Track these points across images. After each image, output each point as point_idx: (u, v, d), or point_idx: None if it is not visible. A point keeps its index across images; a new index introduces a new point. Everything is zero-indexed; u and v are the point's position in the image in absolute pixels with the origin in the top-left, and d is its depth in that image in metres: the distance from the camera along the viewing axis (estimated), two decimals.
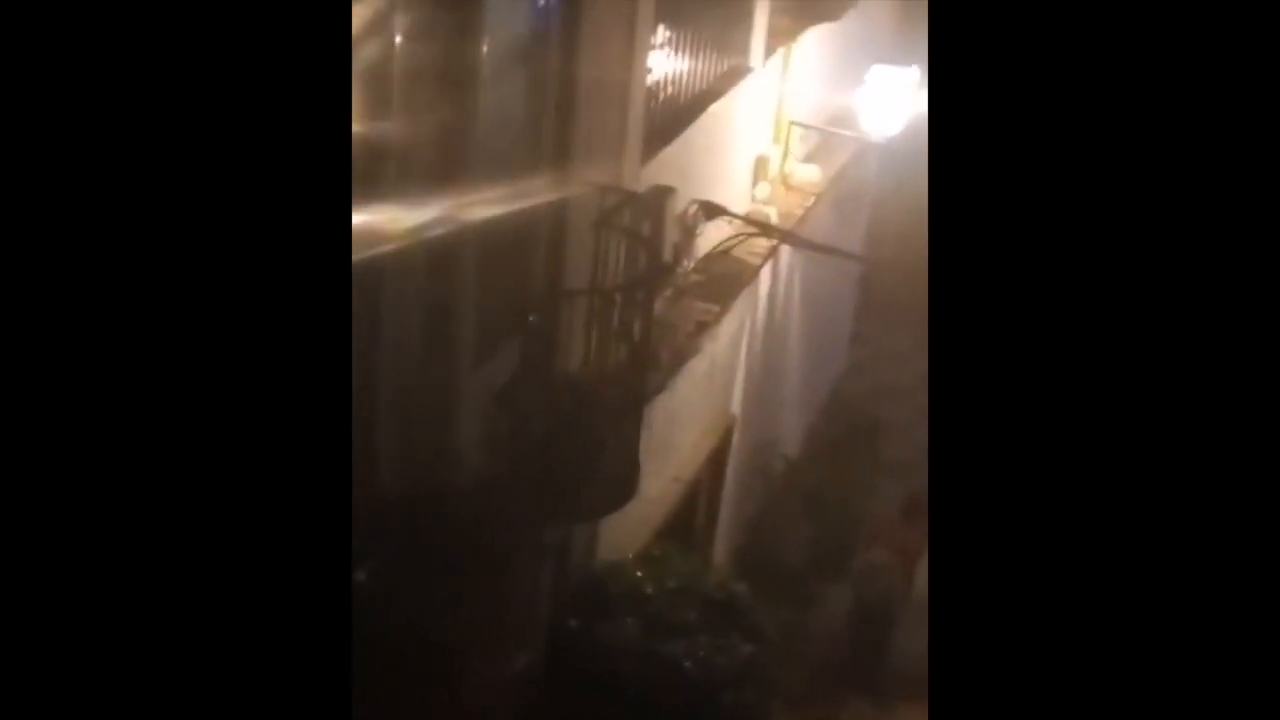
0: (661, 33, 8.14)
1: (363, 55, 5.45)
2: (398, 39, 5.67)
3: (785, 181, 10.75)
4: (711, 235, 9.20)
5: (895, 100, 10.90)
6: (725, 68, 9.48)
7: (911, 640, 11.27)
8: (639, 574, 8.44)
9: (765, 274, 10.38)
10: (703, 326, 8.81)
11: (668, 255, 8.05)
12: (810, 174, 10.94)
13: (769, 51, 10.07)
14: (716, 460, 10.38)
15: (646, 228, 7.28)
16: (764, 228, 9.84)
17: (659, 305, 7.92)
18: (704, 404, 9.82)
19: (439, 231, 5.98)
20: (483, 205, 6.21)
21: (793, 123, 10.77)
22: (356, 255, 4.23)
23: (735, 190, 9.82)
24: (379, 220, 5.64)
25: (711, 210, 8.98)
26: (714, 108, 9.07)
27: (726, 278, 9.29)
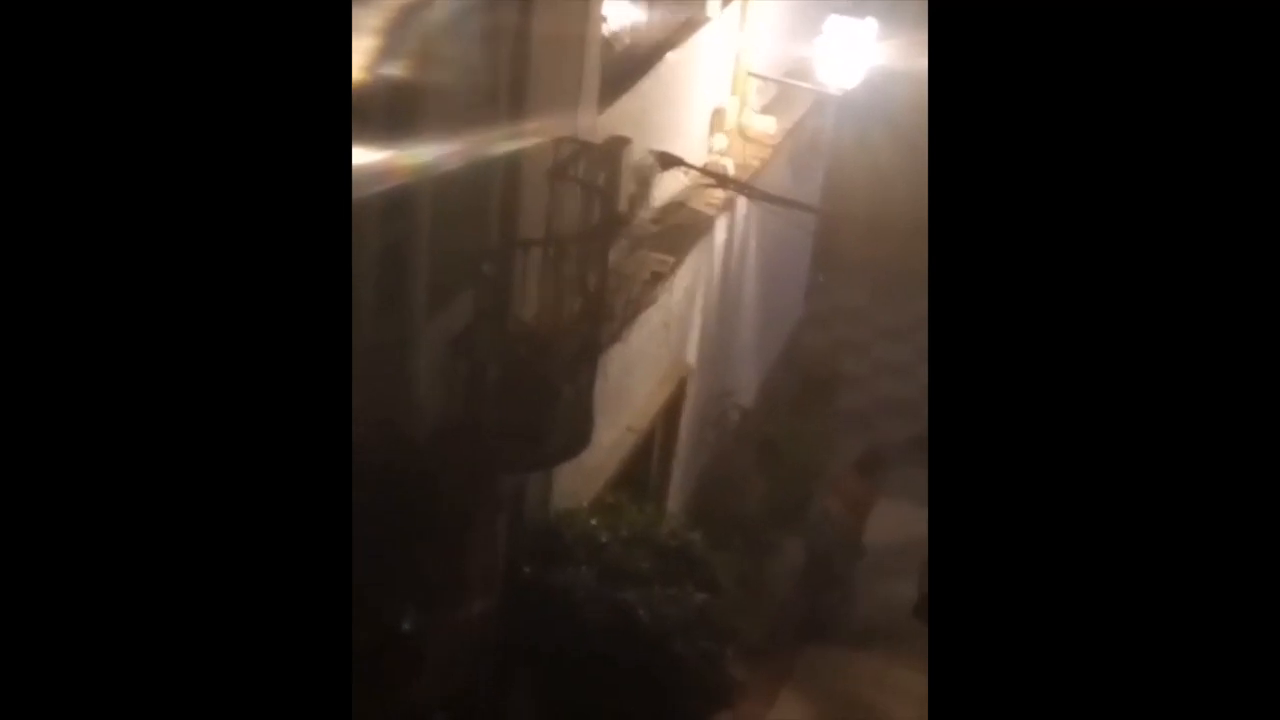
0: None
1: None
2: None
3: (742, 133, 10.74)
4: (668, 186, 9.21)
5: (852, 52, 10.90)
6: (682, 18, 9.46)
7: (863, 590, 11.40)
8: (593, 522, 8.49)
9: (721, 225, 10.40)
10: (658, 277, 8.83)
11: (623, 206, 8.06)
12: (767, 125, 10.94)
13: (726, 2, 10.06)
14: (671, 410, 10.42)
15: (602, 178, 7.28)
16: (720, 179, 9.86)
17: (614, 255, 7.93)
18: (659, 354, 9.86)
19: (395, 182, 5.98)
20: (439, 156, 6.20)
21: (750, 74, 10.76)
22: None
23: (692, 141, 9.82)
24: None
25: (668, 161, 8.99)
26: (671, 58, 9.06)
27: (682, 229, 9.30)
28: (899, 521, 11.95)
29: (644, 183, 8.73)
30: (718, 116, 10.35)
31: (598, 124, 7.71)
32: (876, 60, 11.05)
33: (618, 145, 7.43)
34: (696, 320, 10.62)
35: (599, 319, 7.57)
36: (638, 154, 8.46)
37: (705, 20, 9.75)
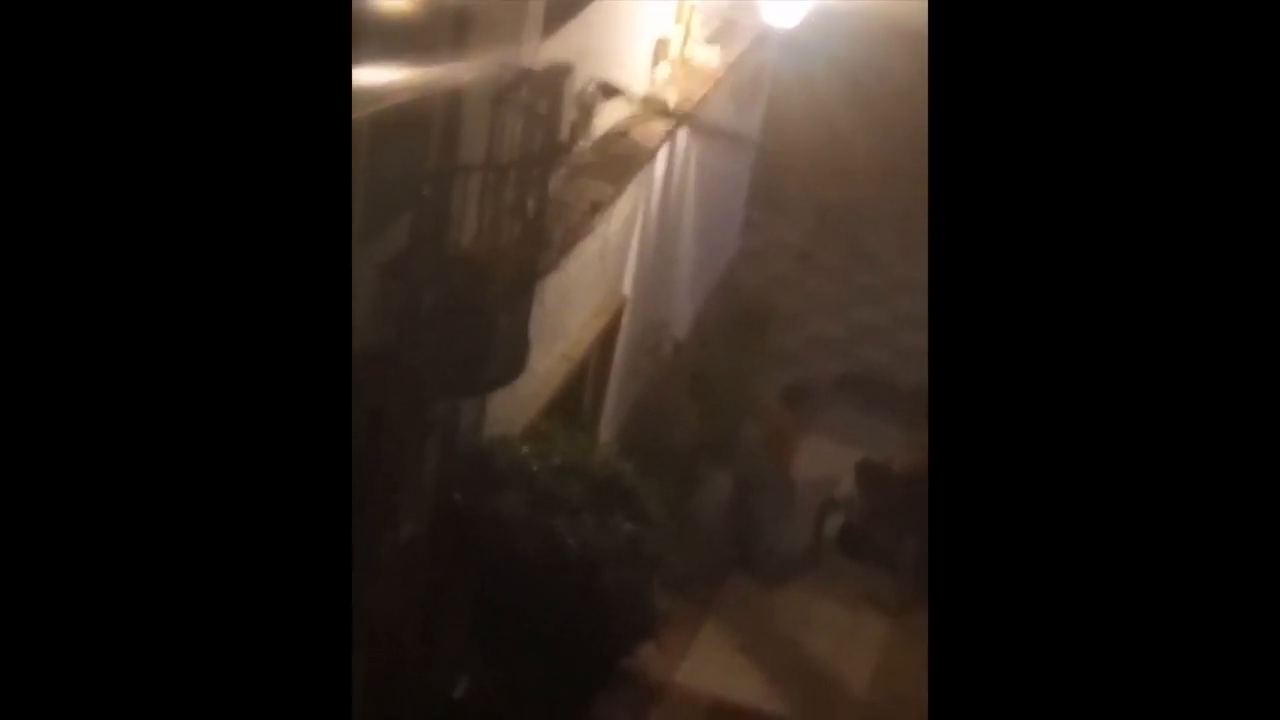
0: None
1: None
2: None
3: (685, 64, 10.70)
4: (609, 115, 9.18)
5: None
6: None
7: (789, 525, 11.51)
8: (525, 450, 8.51)
9: (662, 157, 10.37)
10: (597, 206, 8.81)
11: (564, 134, 8.02)
12: (710, 58, 10.89)
13: None
14: (606, 340, 10.43)
15: (543, 106, 7.25)
16: (662, 110, 9.82)
17: (554, 183, 7.90)
18: (596, 284, 9.85)
19: None
20: (382, 82, 6.14)
21: (694, 5, 10.70)
22: None
23: (634, 71, 9.78)
24: None
25: (609, 90, 8.95)
26: None
27: (623, 159, 9.27)
28: (825, 458, 12.08)
29: (585, 111, 8.69)
30: (661, 47, 10.30)
31: (540, 51, 7.66)
32: None
33: (560, 73, 7.39)
34: (634, 251, 10.62)
35: (537, 246, 7.55)
36: (580, 82, 8.41)
37: None
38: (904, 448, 11.59)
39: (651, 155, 9.80)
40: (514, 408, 8.64)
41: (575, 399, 10.15)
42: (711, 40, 11.12)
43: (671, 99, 10.11)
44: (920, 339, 14.11)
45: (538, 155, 7.27)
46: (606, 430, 10.81)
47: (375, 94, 6.06)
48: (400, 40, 6.35)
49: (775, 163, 14.56)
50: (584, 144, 8.83)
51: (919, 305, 14.64)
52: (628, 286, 10.66)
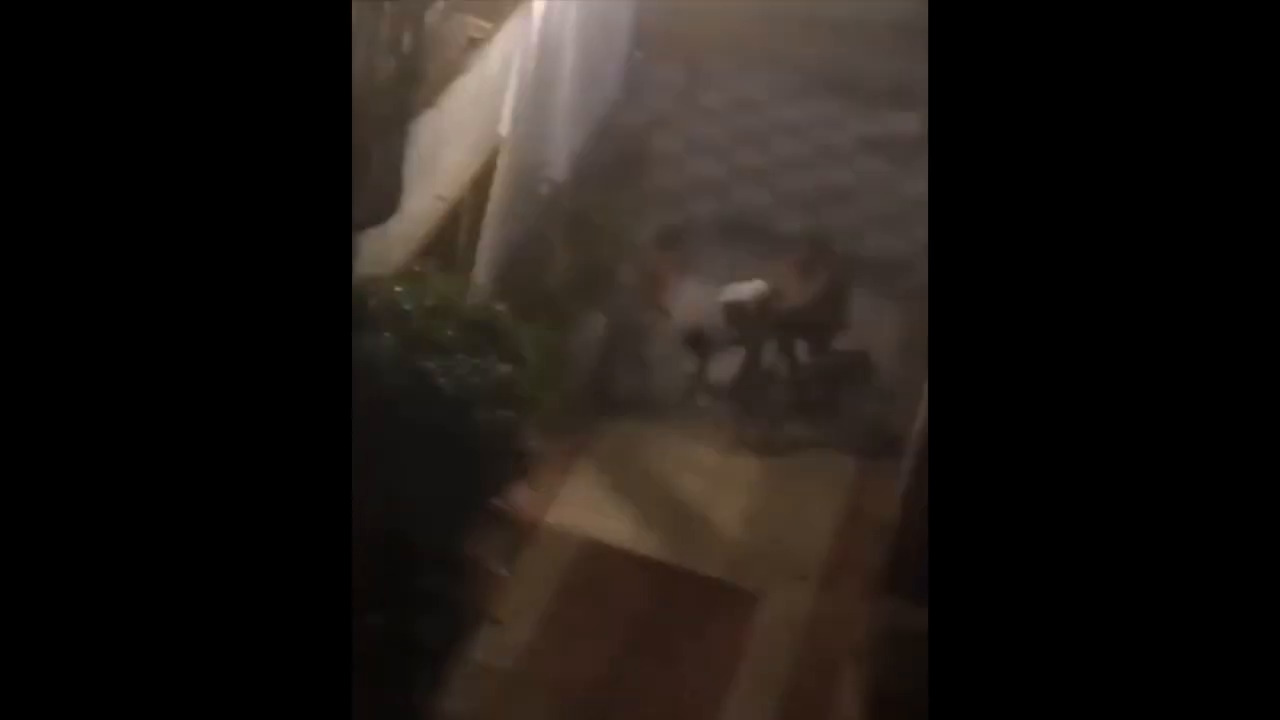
0: None
1: None
2: None
3: None
4: None
5: None
6: None
7: (660, 366, 11.59)
8: (398, 290, 8.42)
9: None
10: (475, 44, 8.66)
11: None
12: None
13: None
14: (482, 181, 10.33)
15: None
16: None
17: (430, 18, 7.73)
18: (472, 123, 9.71)
19: None
20: None
21: None
22: None
23: None
24: None
25: None
26: None
27: None
28: (698, 299, 12.14)
29: None
30: None
31: None
32: None
33: None
34: (512, 90, 10.46)
35: (412, 83, 7.41)
36: None
37: None
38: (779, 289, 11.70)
39: None
40: (386, 248, 8.54)
41: (449, 240, 10.05)
42: None
43: None
44: (801, 181, 14.22)
45: None
46: (481, 272, 10.75)
47: None
48: None
49: (657, 4, 14.38)
50: None
51: (798, 148, 14.72)
52: (505, 126, 10.52)
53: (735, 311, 11.69)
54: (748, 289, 11.71)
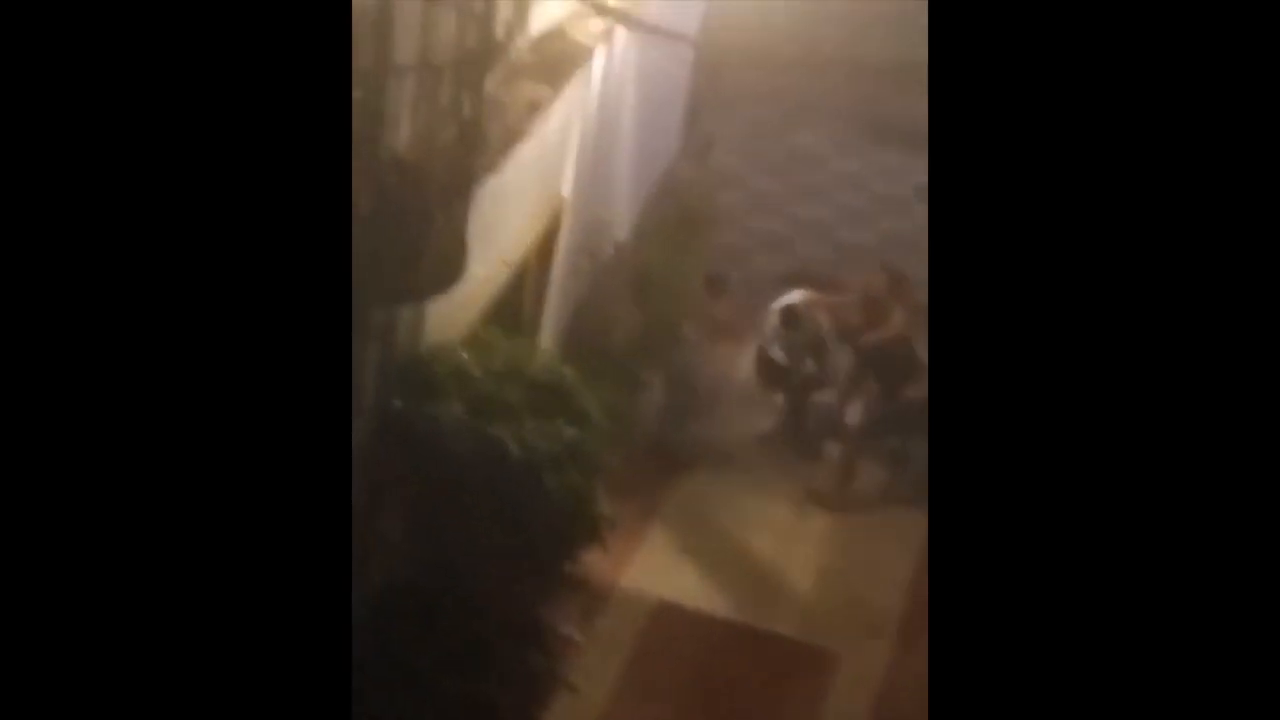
0: None
1: None
2: None
3: None
4: (546, 14, 9.01)
5: None
6: None
7: (724, 420, 11.55)
8: (465, 356, 8.43)
9: (600, 56, 10.23)
10: (534, 107, 8.68)
11: (500, 33, 7.87)
12: None
13: None
14: (545, 243, 10.33)
15: (479, 4, 7.11)
16: (599, 8, 9.67)
17: (490, 84, 7.76)
18: (534, 186, 9.73)
19: None
20: None
21: None
22: None
23: None
24: None
25: None
26: None
27: (560, 58, 9.13)
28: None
29: (521, 9, 8.51)
30: None
31: None
32: None
33: None
34: (573, 152, 10.49)
35: (474, 149, 7.43)
36: None
37: None
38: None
39: (590, 54, 9.66)
40: (452, 313, 8.55)
41: (514, 303, 10.06)
42: None
43: None
44: (862, 236, 14.19)
45: (473, 55, 7.13)
46: (547, 334, 10.74)
47: None
48: None
49: (715, 59, 14.41)
50: (520, 43, 8.67)
51: (860, 200, 14.69)
52: (567, 188, 10.54)
53: (790, 316, 11.62)
54: (797, 294, 11.69)
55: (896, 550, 10.64)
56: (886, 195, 14.73)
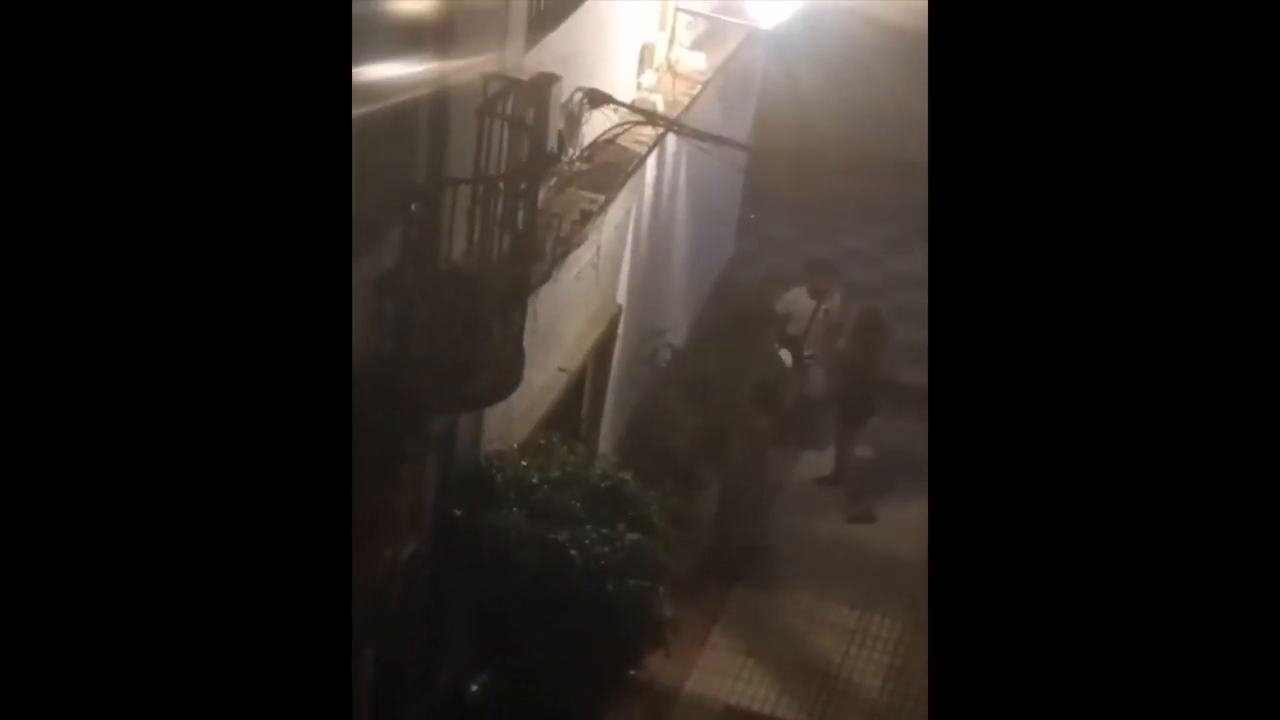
0: None
1: None
2: None
3: (671, 69, 10.65)
4: (597, 123, 9.12)
5: None
6: None
7: (783, 524, 11.52)
8: (524, 464, 8.45)
9: (651, 163, 10.32)
10: (588, 215, 8.76)
11: (552, 144, 7.96)
12: (696, 61, 10.85)
13: None
14: (602, 350, 10.38)
15: (531, 116, 7.20)
16: (650, 116, 9.77)
17: (543, 194, 7.86)
18: (589, 293, 9.80)
19: None
20: (365, 92, 6.10)
21: (679, 9, 10.66)
22: None
23: (621, 78, 9.73)
24: None
25: (597, 98, 8.89)
26: None
27: (612, 166, 9.22)
28: (815, 457, 12.13)
29: (573, 120, 8.63)
30: (647, 53, 10.25)
31: (526, 61, 7.61)
32: None
33: (546, 82, 7.34)
34: (627, 259, 10.57)
35: (529, 258, 7.50)
36: (566, 91, 8.35)
37: None
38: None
39: (641, 161, 9.75)
40: (511, 422, 8.59)
41: (572, 410, 10.10)
42: (697, 43, 11.07)
43: (659, 104, 10.07)
44: (917, 333, 14.12)
45: (526, 166, 7.22)
46: (605, 440, 10.76)
47: (359, 103, 6.04)
48: (382, 48, 6.31)
49: (766, 163, 14.50)
50: (572, 153, 8.78)
51: (914, 298, 14.66)
52: (622, 295, 10.61)
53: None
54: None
55: None
56: None
